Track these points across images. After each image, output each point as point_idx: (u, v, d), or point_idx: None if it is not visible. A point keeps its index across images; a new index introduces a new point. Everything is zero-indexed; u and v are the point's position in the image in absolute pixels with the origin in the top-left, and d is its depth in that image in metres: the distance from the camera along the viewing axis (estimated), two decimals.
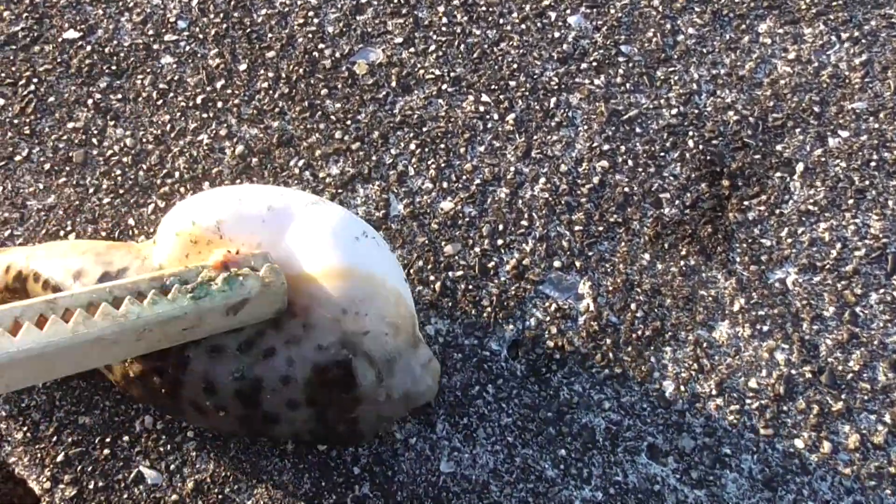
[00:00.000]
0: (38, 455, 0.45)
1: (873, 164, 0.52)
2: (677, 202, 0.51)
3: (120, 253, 0.42)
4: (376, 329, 0.39)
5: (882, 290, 0.48)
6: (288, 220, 0.40)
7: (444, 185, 0.52)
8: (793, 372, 0.45)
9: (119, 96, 0.56)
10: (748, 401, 0.45)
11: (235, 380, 0.39)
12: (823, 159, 0.52)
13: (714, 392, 0.45)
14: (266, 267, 0.38)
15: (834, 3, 0.59)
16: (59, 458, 0.45)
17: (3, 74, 0.57)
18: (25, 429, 0.46)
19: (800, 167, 0.52)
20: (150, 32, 0.58)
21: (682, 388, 0.45)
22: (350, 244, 0.39)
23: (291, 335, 0.39)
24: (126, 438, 0.45)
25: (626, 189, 0.51)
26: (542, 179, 0.52)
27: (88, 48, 0.57)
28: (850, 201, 0.51)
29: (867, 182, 0.52)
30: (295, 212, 0.40)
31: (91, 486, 0.44)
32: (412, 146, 0.53)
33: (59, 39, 0.58)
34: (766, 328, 0.47)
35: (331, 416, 0.40)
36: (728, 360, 0.46)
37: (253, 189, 0.41)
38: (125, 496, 0.44)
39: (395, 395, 0.40)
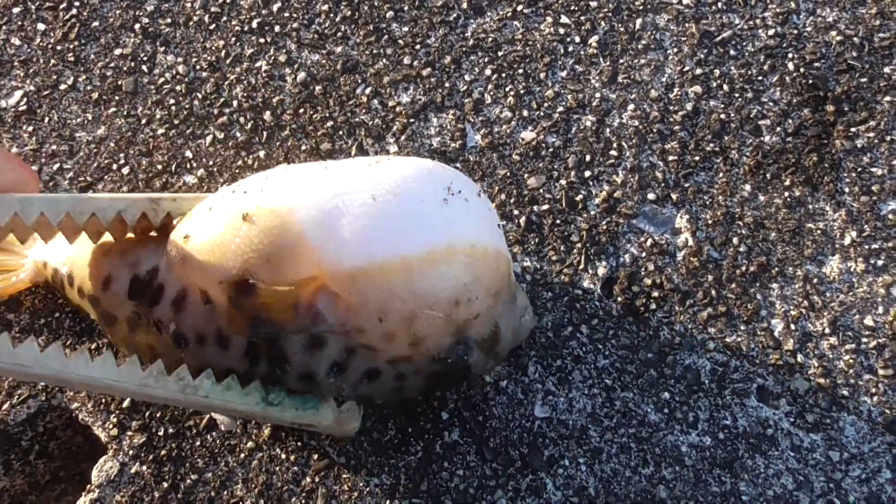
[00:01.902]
0: (103, 400, 0.43)
1: None
2: (778, 129, 0.47)
3: (146, 251, 0.36)
4: (484, 306, 0.33)
5: None
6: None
7: (524, 113, 0.48)
8: None
9: (168, 20, 0.52)
10: (864, 339, 0.41)
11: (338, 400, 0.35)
12: None
13: (827, 331, 0.42)
14: (349, 404, 0.35)
15: None
16: (125, 402, 0.42)
17: None
18: None
19: None
20: None
21: (793, 326, 0.42)
22: (439, 214, 0.32)
23: (398, 355, 0.33)
24: None
25: (723, 116, 0.47)
26: (631, 106, 0.48)
27: None
28: None
29: None
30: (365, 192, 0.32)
31: (161, 433, 0.41)
32: (487, 72, 0.49)
33: None
34: (880, 262, 0.43)
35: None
36: (841, 297, 0.42)
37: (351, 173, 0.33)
38: (198, 443, 0.41)
39: (501, 356, 0.36)
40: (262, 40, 0.51)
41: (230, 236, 0.32)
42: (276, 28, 0.51)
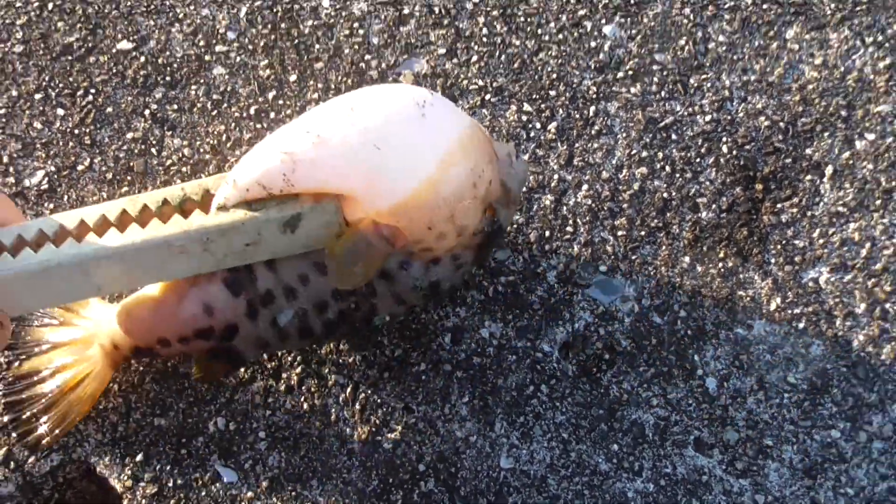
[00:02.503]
0: (118, 454, 0.48)
1: None
2: (714, 206, 0.54)
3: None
4: (488, 174, 0.40)
5: None
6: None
7: None
8: (828, 366, 0.48)
9: (175, 106, 0.58)
10: (787, 395, 0.47)
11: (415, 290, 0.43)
12: (851, 162, 0.55)
13: (755, 387, 0.48)
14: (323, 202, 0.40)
15: (858, 9, 0.61)
16: (139, 457, 0.48)
17: (61, 85, 0.59)
18: (104, 430, 0.49)
19: (829, 170, 0.55)
20: (202, 43, 0.60)
21: (725, 384, 0.48)
22: (429, 131, 0.39)
23: (450, 246, 0.41)
24: (200, 439, 0.48)
25: (665, 194, 0.54)
26: (585, 186, 0.54)
27: (142, 59, 0.59)
28: (878, 202, 0.54)
29: (894, 182, 0.54)
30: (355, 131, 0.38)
31: (171, 484, 0.47)
32: None
33: (114, 50, 0.60)
34: (801, 325, 0.50)
35: None
36: (766, 357, 0.49)
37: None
38: (203, 493, 0.47)
39: (517, 202, 0.45)
40: (258, 125, 0.57)
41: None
42: (272, 114, 0.57)
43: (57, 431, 0.46)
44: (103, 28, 0.61)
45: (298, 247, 0.40)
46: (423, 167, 0.38)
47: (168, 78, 0.59)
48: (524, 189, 0.44)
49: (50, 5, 0.61)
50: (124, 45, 0.60)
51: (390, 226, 0.39)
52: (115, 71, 0.59)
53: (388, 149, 0.38)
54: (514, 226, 0.53)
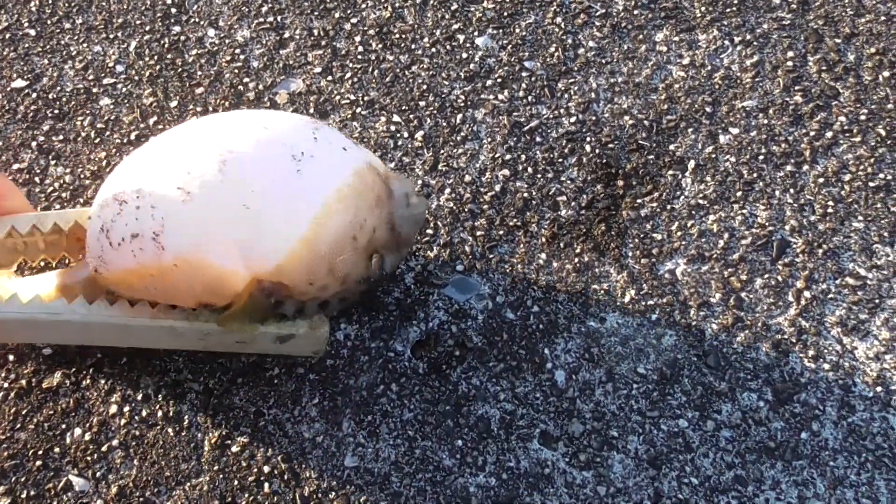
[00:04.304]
0: None
1: (761, 157, 0.55)
2: (573, 204, 0.54)
3: None
4: (373, 220, 0.40)
5: (766, 275, 0.50)
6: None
7: None
8: (678, 356, 0.48)
9: (61, 137, 0.60)
10: (635, 385, 0.47)
11: None
12: (714, 156, 0.55)
13: (603, 378, 0.47)
14: (317, 317, 0.42)
15: (728, 10, 0.62)
16: None
17: None
18: None
19: (691, 164, 0.55)
20: (91, 77, 0.63)
21: (574, 376, 0.48)
22: (303, 187, 0.38)
23: (334, 292, 0.41)
24: (57, 450, 0.49)
25: (526, 195, 0.55)
26: (448, 190, 0.55)
27: (34, 95, 0.62)
28: (739, 193, 0.53)
29: (755, 175, 0.54)
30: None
31: (24, 496, 0.47)
32: None
33: (8, 88, 0.63)
34: (654, 316, 0.49)
35: None
36: (618, 349, 0.48)
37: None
38: (55, 503, 0.47)
39: (409, 243, 0.44)
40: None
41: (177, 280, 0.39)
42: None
43: None
44: (0, 69, 0.64)
45: (282, 351, 0.44)
46: (296, 228, 0.37)
47: (57, 111, 0.62)
48: (417, 230, 0.43)
49: None
50: (18, 83, 0.63)
51: (273, 282, 0.39)
52: (7, 108, 0.62)
53: (259, 209, 0.37)
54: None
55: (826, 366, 0.47)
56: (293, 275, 0.38)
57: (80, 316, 0.41)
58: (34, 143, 0.60)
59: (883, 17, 0.62)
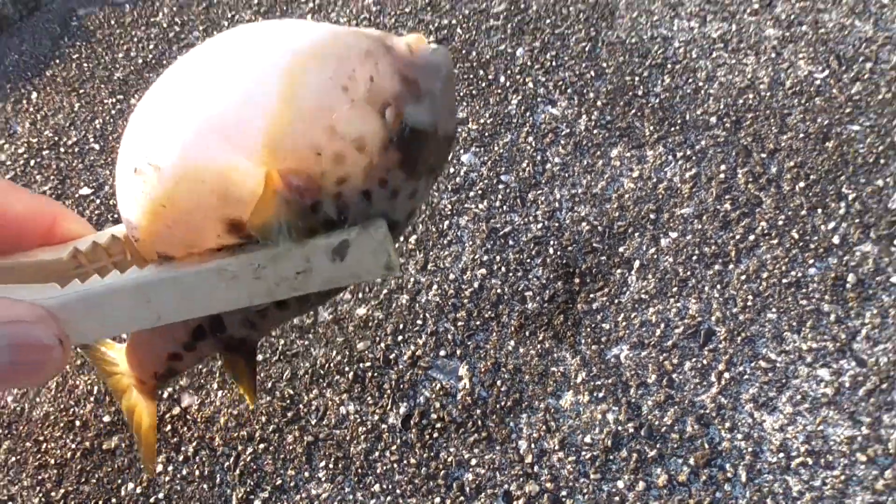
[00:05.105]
0: None
1: (695, 257, 0.66)
2: (538, 298, 0.65)
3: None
4: (385, 76, 0.32)
5: (694, 359, 0.61)
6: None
7: (360, 295, 0.67)
8: (619, 428, 0.58)
9: None
10: (583, 452, 0.58)
11: None
12: (656, 256, 0.67)
13: (557, 447, 0.58)
14: (371, 221, 0.34)
15: (672, 129, 0.75)
16: None
17: None
18: (40, 496, 0.61)
19: (637, 264, 0.66)
20: None
21: (533, 445, 0.58)
22: (249, 58, 0.31)
23: (362, 167, 0.32)
24: (114, 500, 0.60)
25: (499, 290, 0.66)
26: (435, 286, 0.67)
27: (98, 201, 0.76)
28: (675, 289, 0.65)
29: (689, 273, 0.65)
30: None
31: None
32: None
33: (76, 195, 0.76)
34: (601, 395, 0.60)
35: None
36: (570, 422, 0.59)
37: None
38: None
39: (435, 94, 0.33)
40: None
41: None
42: None
43: (150, 465, 0.50)
44: (70, 178, 0.77)
45: (348, 276, 0.37)
46: (267, 85, 0.31)
47: (116, 216, 0.75)
48: (442, 76, 0.33)
49: (32, 162, 0.79)
50: (85, 190, 0.77)
51: (293, 171, 0.32)
52: (76, 212, 0.75)
53: (222, 87, 0.32)
54: (375, 322, 0.66)
55: (739, 436, 0.57)
56: (292, 143, 0.32)
57: (132, 280, 0.36)
58: None
59: (801, 135, 0.73)
